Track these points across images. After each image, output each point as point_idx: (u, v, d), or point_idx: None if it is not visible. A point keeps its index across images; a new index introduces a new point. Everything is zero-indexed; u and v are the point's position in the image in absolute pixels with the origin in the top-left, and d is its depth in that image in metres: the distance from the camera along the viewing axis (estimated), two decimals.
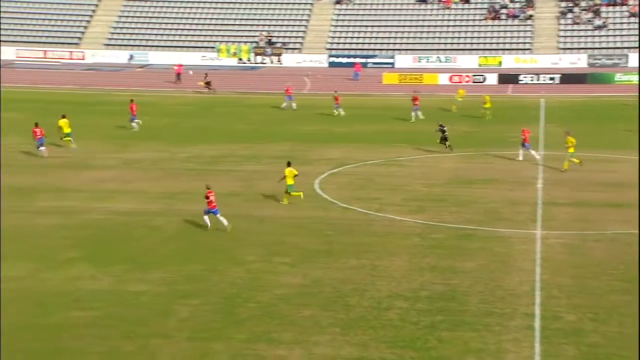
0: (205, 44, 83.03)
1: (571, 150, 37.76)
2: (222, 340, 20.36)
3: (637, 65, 69.68)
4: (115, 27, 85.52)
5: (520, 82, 68.09)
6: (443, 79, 68.83)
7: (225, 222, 28.55)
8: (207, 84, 63.72)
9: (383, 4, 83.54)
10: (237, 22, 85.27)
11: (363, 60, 76.33)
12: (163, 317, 21.60)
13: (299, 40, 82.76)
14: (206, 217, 28.76)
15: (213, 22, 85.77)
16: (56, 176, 36.23)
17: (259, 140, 45.34)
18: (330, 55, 79.12)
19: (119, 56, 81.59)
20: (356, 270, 25.21)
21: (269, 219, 30.56)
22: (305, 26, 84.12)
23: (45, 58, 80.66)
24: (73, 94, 62.31)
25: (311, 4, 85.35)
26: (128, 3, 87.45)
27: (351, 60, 76.08)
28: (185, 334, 20.68)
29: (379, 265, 25.61)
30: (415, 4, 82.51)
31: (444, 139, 41.58)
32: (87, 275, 24.37)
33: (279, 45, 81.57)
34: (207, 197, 28.58)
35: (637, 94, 56.20)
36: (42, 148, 40.10)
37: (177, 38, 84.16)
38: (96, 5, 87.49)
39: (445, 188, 35.23)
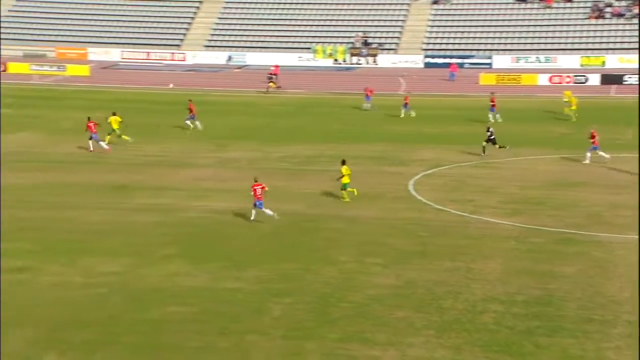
0: (302, 45, 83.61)
1: None
2: (314, 339, 20.35)
3: None
4: (215, 29, 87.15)
5: (625, 82, 65.75)
6: (543, 80, 67.15)
7: (270, 212, 29.26)
8: (273, 82, 64.12)
9: (481, 3, 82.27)
10: (333, 23, 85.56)
11: (459, 60, 75.28)
12: (257, 314, 21.76)
13: (395, 40, 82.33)
14: (254, 211, 29.38)
15: (309, 23, 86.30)
16: (153, 174, 37.06)
17: (353, 141, 45.26)
18: (426, 56, 78.39)
19: (218, 57, 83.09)
20: (450, 272, 24.80)
21: (362, 219, 30.43)
22: (402, 26, 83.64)
23: (148, 59, 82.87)
24: (174, 95, 63.76)
25: (408, 4, 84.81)
26: (228, 6, 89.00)
27: (447, 60, 75.12)
28: (279, 331, 20.77)
29: (473, 268, 25.12)
30: (514, 3, 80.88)
31: (490, 141, 40.50)
32: (184, 271, 24.78)
33: (374, 45, 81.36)
34: (254, 190, 29.38)
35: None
36: (91, 142, 41.18)
37: (274, 39, 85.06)
38: (197, 8, 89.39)
39: (542, 191, 34.32)
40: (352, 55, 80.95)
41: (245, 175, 37.26)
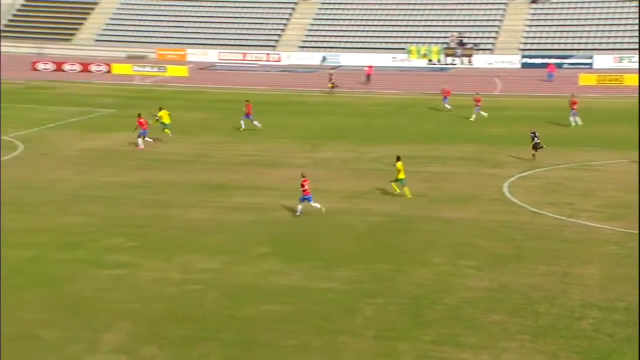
0: (396, 46, 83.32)
1: None
2: (407, 341, 20.25)
3: None
4: (310, 30, 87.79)
5: None
6: None
7: (318, 205, 30.11)
8: (332, 83, 64.22)
9: (582, 1, 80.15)
10: (427, 23, 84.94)
11: (558, 60, 73.56)
12: (350, 314, 21.82)
13: (491, 40, 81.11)
14: (300, 206, 30.18)
15: (404, 23, 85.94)
16: (249, 173, 37.60)
17: (447, 141, 44.82)
18: (523, 56, 76.90)
19: (313, 58, 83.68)
20: (546, 276, 24.26)
21: (456, 221, 30.10)
22: (498, 26, 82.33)
23: (244, 60, 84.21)
24: (268, 95, 64.59)
25: (505, 3, 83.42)
26: (323, 6, 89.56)
27: (545, 61, 73.50)
28: (371, 332, 20.76)
29: (570, 273, 24.50)
30: (616, 0, 78.40)
31: (536, 146, 39.26)
32: (278, 270, 25.06)
33: (470, 45, 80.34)
34: (303, 185, 30.18)
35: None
36: (140, 140, 42.14)
37: (368, 40, 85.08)
38: (293, 9, 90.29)
39: None
40: (447, 55, 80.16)
41: (339, 175, 37.44)
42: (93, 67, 76.94)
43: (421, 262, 25.64)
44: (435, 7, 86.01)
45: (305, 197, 30.26)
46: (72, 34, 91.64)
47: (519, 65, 76.11)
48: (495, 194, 33.79)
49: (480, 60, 78.71)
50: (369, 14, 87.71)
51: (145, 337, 20.47)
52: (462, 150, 42.53)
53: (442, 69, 79.00)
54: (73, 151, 42.13)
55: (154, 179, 36.35)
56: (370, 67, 70.83)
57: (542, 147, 39.49)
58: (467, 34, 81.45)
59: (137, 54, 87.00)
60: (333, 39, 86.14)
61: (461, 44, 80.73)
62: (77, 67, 77.18)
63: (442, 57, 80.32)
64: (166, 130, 44.55)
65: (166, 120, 44.78)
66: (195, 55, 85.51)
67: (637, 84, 61.17)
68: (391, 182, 33.25)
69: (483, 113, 51.71)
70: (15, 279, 23.80)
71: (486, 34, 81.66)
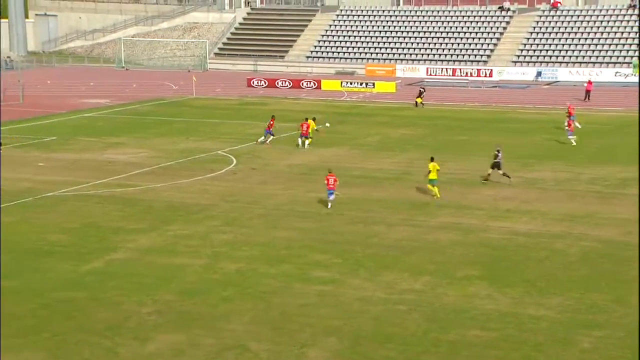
0: (620, 60, 79.53)
1: None
2: None
3: None
4: (525, 44, 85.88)
5: None
6: None
7: (329, 205, 33.38)
8: (420, 97, 63.96)
9: None
10: None
11: None
12: (563, 345, 20.89)
13: None
14: (329, 203, 33.50)
15: (630, 35, 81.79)
16: (454, 192, 37.17)
17: None
18: None
19: (526, 73, 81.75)
20: None
21: None
22: None
23: (453, 76, 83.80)
24: (477, 111, 63.72)
25: None
26: (540, 19, 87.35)
27: None
28: None
29: None
30: None
31: (495, 166, 37.36)
32: (484, 294, 24.52)
33: None
34: (327, 180, 33.48)
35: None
36: (261, 139, 46.88)
37: (588, 53, 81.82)
38: (508, 23, 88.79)
39: None
40: None
41: (552, 196, 36.12)
42: (303, 83, 79.71)
43: None
44: None
45: (329, 191, 33.63)
46: (285, 51, 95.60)
47: None
48: None
49: None
50: (590, 25, 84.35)
51: (350, 355, 20.68)
52: None
53: None
54: (281, 166, 43.73)
55: (360, 195, 36.88)
56: (590, 82, 67.97)
57: (505, 174, 37.39)
58: None
59: (346, 70, 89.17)
60: (549, 52, 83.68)
61: None
62: (288, 83, 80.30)
63: None
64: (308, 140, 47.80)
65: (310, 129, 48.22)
66: (404, 71, 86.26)
67: None
68: (429, 186, 35.23)
69: None
70: (226, 291, 24.97)
71: None
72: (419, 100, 65.57)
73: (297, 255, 28.44)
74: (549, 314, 22.89)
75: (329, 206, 33.69)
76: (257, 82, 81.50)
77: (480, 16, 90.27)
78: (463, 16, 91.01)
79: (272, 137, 49.48)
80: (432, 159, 35.81)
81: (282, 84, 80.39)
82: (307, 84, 79.48)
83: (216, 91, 77.90)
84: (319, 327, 22.21)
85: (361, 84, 78.65)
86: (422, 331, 21.94)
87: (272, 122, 49.85)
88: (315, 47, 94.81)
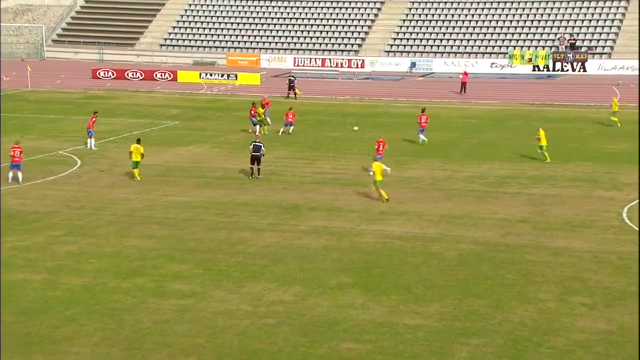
0: (496, 50, 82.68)
1: None
2: None
3: None
4: (397, 32, 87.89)
5: None
6: None
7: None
8: (296, 89, 66.28)
9: None
10: (533, 24, 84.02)
11: None
12: (440, 356, 21.53)
13: (609, 43, 79.62)
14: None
15: (506, 24, 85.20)
16: (326, 193, 37.64)
17: (554, 159, 44.04)
18: None
19: (400, 63, 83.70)
20: None
21: (565, 251, 29.47)
22: (618, 26, 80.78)
23: (323, 67, 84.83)
24: (349, 105, 64.74)
25: (627, 0, 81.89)
26: (413, 6, 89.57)
27: None
28: None
29: None
30: None
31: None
32: (358, 303, 24.95)
33: (583, 49, 79.02)
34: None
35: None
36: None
37: (464, 43, 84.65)
38: (379, 9, 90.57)
39: None
40: (555, 61, 79.01)
41: (428, 196, 37.16)
42: (157, 75, 78.68)
43: (524, 298, 25.14)
44: (542, 4, 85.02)
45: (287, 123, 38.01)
46: (136, 39, 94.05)
47: None
48: (612, 221, 32.97)
49: (594, 66, 77.36)
50: (465, 14, 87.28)
51: None
52: (573, 170, 41.74)
53: (549, 77, 77.91)
54: None
55: (223, 198, 36.77)
56: (465, 74, 70.36)
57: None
58: (580, 36, 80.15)
59: (205, 61, 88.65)
60: (424, 42, 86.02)
61: (573, 47, 79.45)
62: (140, 75, 79.06)
63: (550, 62, 79.23)
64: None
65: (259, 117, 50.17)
66: (270, 61, 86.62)
67: None
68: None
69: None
70: (70, 309, 24.34)
71: (603, 36, 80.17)
72: (298, 92, 66.34)
73: (153, 266, 28.05)
74: (426, 322, 23.53)
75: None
76: (104, 73, 79.88)
77: (350, 1, 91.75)
78: (332, 1, 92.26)
79: (268, 121, 51.54)
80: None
81: (132, 75, 79.11)
82: (161, 76, 78.56)
83: (56, 83, 75.82)
84: (177, 346, 21.99)
85: (222, 75, 78.47)
86: (292, 346, 22.10)
87: (253, 109, 51.32)
88: (170, 34, 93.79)
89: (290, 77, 68.38)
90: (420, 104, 64.07)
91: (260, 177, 39.85)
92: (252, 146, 40.16)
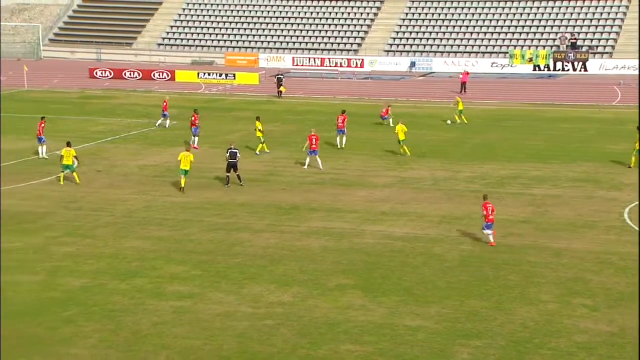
0: (497, 49, 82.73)
1: None
2: None
3: None
4: (397, 32, 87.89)
5: None
6: None
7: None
8: (283, 86, 66.70)
9: None
10: (534, 23, 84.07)
11: None
12: (440, 357, 21.55)
13: (610, 43, 79.66)
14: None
15: (506, 23, 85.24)
16: (327, 194, 37.68)
17: (556, 160, 44.09)
18: None
19: (400, 63, 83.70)
20: None
21: (566, 252, 29.50)
22: (619, 26, 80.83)
23: (322, 66, 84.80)
24: (348, 105, 64.75)
25: None
26: (412, 5, 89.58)
27: None
28: None
29: None
30: None
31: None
32: (358, 304, 24.97)
33: (584, 49, 79.08)
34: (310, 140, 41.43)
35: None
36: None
37: (464, 42, 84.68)
38: (378, 9, 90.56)
39: None
40: (556, 60, 79.05)
41: (429, 197, 37.19)
42: (155, 74, 78.68)
43: (525, 300, 25.17)
44: (543, 3, 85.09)
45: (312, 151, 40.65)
46: (133, 38, 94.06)
47: None
48: (613, 221, 33.01)
49: (595, 66, 77.39)
50: (465, 13, 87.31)
51: None
52: (574, 170, 41.78)
53: (550, 76, 77.97)
54: (132, 168, 43.02)
55: (222, 199, 36.78)
56: (465, 73, 70.39)
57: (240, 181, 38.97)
58: (581, 35, 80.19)
59: (203, 60, 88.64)
60: (423, 41, 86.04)
61: (574, 46, 79.50)
62: (138, 74, 79.05)
63: (550, 61, 79.28)
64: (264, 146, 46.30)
65: (258, 134, 46.35)
66: (268, 60, 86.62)
67: None
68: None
69: None
70: (68, 310, 24.35)
71: (604, 35, 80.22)
72: (282, 89, 66.89)
73: (151, 267, 28.07)
74: (427, 324, 23.56)
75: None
76: (101, 73, 79.87)
77: (350, 1, 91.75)
78: (331, 0, 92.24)
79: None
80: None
81: (130, 75, 79.10)
82: (159, 75, 78.55)
83: (53, 82, 75.80)
84: (175, 348, 22.00)
85: (220, 75, 78.44)
86: (290, 348, 22.11)
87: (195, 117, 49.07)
88: (168, 33, 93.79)
89: (279, 76, 68.81)
90: (421, 104, 64.11)
91: (242, 183, 38.88)
92: (228, 153, 38.85)
